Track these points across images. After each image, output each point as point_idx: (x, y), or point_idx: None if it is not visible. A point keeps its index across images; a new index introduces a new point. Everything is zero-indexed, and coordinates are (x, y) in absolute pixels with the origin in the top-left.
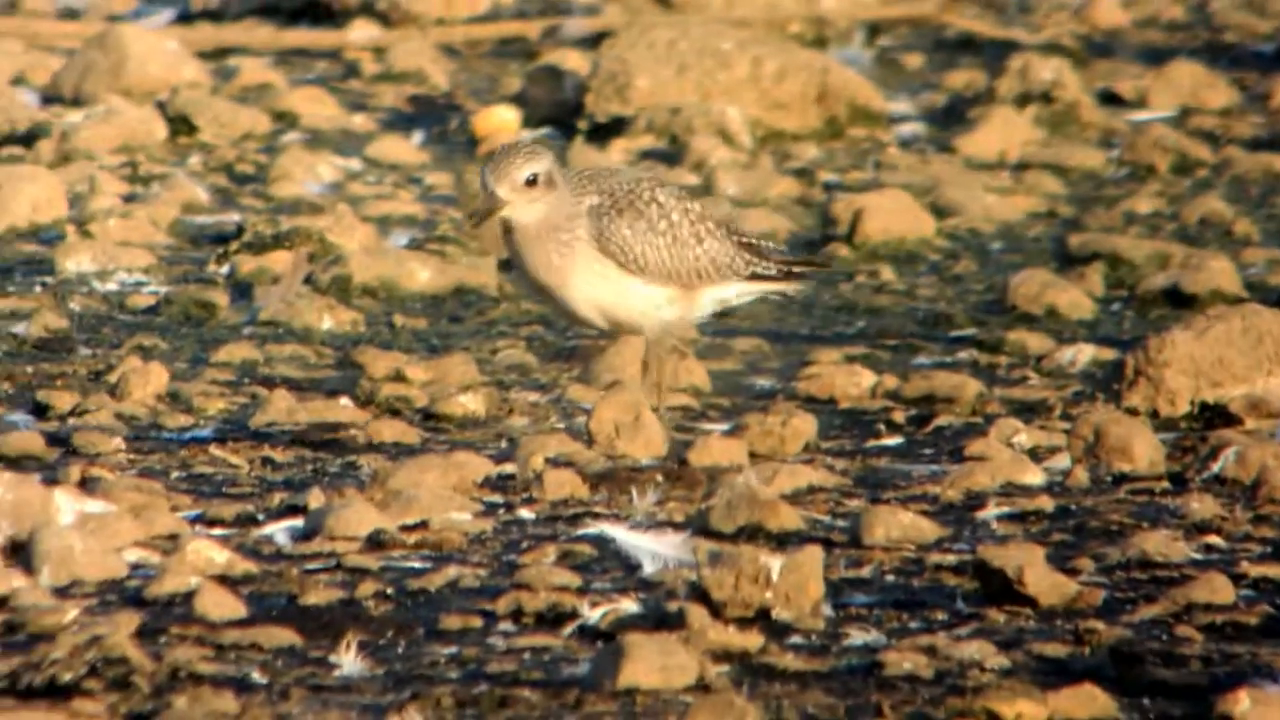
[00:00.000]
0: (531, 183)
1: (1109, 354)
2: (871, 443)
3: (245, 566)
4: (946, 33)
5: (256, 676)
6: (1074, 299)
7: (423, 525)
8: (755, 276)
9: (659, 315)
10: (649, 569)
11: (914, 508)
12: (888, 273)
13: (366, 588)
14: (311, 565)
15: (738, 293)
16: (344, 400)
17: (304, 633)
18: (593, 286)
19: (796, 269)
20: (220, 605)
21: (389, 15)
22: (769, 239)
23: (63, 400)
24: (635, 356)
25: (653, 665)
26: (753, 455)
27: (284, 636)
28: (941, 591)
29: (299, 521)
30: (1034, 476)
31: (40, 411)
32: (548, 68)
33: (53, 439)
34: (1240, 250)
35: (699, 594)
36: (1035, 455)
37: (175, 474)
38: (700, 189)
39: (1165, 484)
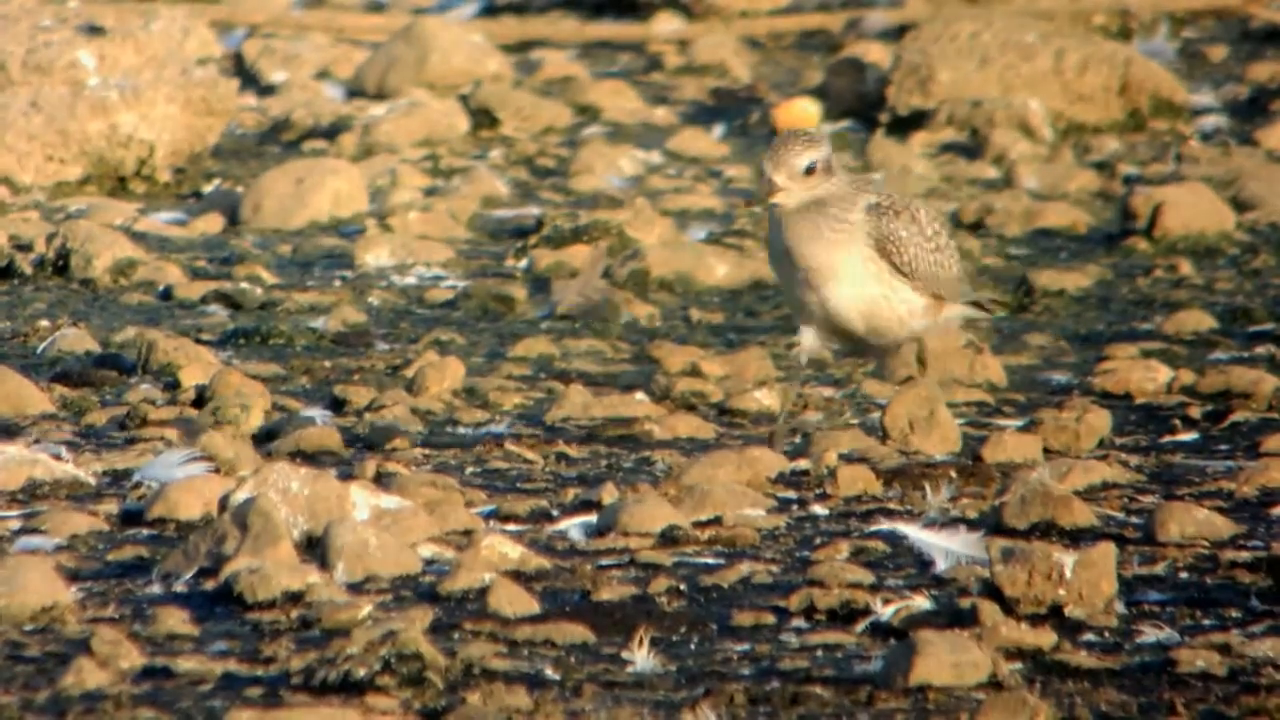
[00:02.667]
0: (810, 171)
1: None
2: (1166, 439)
3: (539, 562)
4: (1252, 24)
5: (549, 673)
6: None
7: (716, 521)
8: (976, 304)
9: (912, 324)
10: (941, 566)
11: (1208, 504)
12: (1186, 267)
13: (659, 584)
14: (605, 561)
15: (959, 315)
16: (639, 395)
17: (597, 629)
18: (861, 283)
19: (992, 302)
20: (514, 601)
21: (692, 8)
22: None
23: (360, 395)
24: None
25: (945, 662)
26: (1047, 451)
27: (577, 632)
28: (1235, 589)
29: (592, 517)
30: None
31: (337, 406)
32: (850, 60)
33: (349, 434)
34: None
35: (991, 591)
36: None
37: (470, 469)
38: (1000, 182)
39: None
